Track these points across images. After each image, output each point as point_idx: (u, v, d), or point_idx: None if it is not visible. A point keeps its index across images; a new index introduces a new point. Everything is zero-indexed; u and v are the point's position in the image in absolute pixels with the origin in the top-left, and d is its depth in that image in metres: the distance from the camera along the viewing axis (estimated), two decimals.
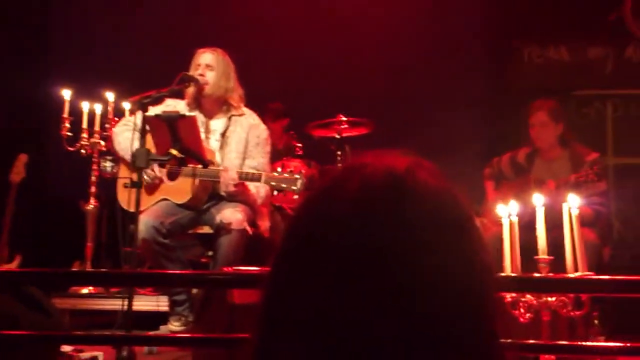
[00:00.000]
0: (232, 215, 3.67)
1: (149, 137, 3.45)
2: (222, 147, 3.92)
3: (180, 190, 3.79)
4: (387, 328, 0.68)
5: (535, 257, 2.62)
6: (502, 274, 2.43)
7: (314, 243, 0.73)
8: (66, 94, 4.79)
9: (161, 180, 3.84)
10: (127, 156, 3.70)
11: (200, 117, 3.87)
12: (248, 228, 3.71)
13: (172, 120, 3.48)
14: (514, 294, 2.57)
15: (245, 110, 4.02)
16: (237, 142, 3.91)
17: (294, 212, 0.80)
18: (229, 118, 3.96)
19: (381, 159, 0.76)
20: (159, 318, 4.01)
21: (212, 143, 3.92)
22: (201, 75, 3.87)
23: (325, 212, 0.74)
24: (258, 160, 3.90)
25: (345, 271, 0.70)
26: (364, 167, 0.75)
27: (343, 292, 0.69)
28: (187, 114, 3.70)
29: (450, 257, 0.72)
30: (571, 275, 2.49)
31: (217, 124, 3.97)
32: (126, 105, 4.81)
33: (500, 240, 2.67)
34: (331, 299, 0.70)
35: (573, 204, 2.63)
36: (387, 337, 0.68)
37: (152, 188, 3.81)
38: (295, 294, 0.72)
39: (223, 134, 3.94)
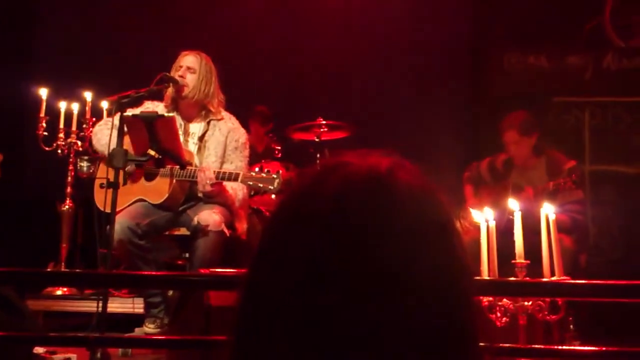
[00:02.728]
0: (209, 217, 3.65)
1: (127, 138, 3.42)
2: (200, 150, 3.89)
3: (156, 190, 3.76)
4: (366, 328, 0.67)
5: (513, 261, 2.63)
6: (479, 278, 2.44)
7: (292, 242, 0.72)
8: (43, 93, 4.75)
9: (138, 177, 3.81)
10: (107, 152, 3.61)
11: (178, 120, 3.83)
12: (225, 230, 3.69)
13: (150, 120, 3.45)
14: (490, 298, 2.58)
15: (225, 114, 3.99)
16: (216, 146, 3.88)
17: (273, 210, 0.79)
18: (208, 122, 3.93)
19: (363, 159, 0.76)
20: (135, 320, 3.98)
21: (190, 146, 3.89)
22: (181, 76, 3.85)
23: (304, 210, 0.74)
24: (236, 164, 3.87)
25: (324, 271, 0.69)
26: (345, 166, 0.75)
27: (322, 293, 0.69)
28: (166, 114, 3.68)
29: (430, 257, 0.71)
30: (547, 280, 2.51)
31: (196, 127, 3.94)
32: (104, 105, 4.77)
33: (478, 244, 2.68)
34: (310, 299, 0.69)
35: (550, 210, 2.65)
36: (366, 337, 0.67)
37: (128, 188, 3.77)
38: (273, 295, 0.71)
39: (201, 138, 3.91)
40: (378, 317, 0.68)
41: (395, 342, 0.68)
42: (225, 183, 3.69)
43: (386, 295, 0.68)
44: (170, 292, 3.82)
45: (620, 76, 5.79)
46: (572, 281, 2.52)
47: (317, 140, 5.27)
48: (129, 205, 3.73)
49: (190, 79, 3.86)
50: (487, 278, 2.55)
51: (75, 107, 4.79)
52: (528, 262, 2.63)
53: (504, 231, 2.93)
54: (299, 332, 0.69)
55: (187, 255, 3.83)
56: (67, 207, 4.80)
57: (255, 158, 5.11)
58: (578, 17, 5.83)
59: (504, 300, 2.60)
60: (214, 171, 3.63)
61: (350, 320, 0.68)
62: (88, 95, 4.85)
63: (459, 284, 0.73)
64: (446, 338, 0.70)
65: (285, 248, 0.73)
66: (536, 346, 2.52)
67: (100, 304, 2.96)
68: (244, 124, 4.19)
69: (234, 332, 0.74)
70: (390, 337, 0.68)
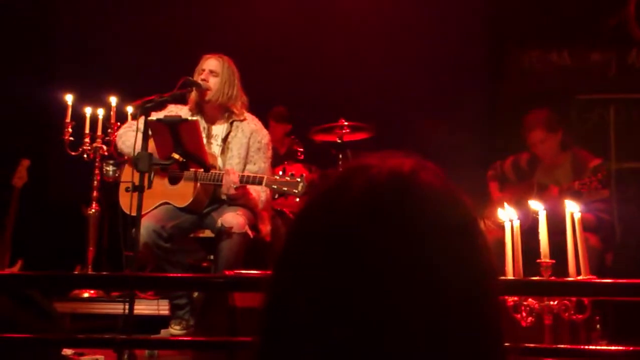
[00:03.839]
0: (233, 219, 3.66)
1: (151, 142, 3.45)
2: (223, 152, 3.91)
3: (181, 194, 3.78)
4: (391, 331, 0.68)
5: (538, 260, 2.62)
6: (504, 278, 2.42)
7: (317, 244, 0.73)
8: (69, 98, 4.81)
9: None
10: (132, 153, 3.61)
11: (201, 123, 3.85)
12: (249, 232, 3.70)
13: (174, 124, 3.47)
14: (516, 298, 2.57)
15: (247, 115, 4.00)
16: (239, 147, 3.89)
17: (297, 213, 0.80)
18: (231, 123, 3.94)
19: (385, 160, 0.76)
20: (160, 322, 4.01)
21: (214, 148, 3.91)
22: (204, 80, 3.87)
23: (329, 212, 0.74)
24: (259, 165, 3.88)
25: (350, 273, 0.70)
26: (368, 168, 0.75)
27: (347, 295, 0.69)
28: (190, 118, 3.70)
29: (455, 258, 0.71)
30: (573, 279, 2.49)
31: (219, 129, 3.96)
32: (129, 110, 4.82)
33: (502, 243, 2.66)
34: (335, 301, 0.69)
35: (575, 208, 2.63)
36: (391, 340, 0.68)
37: (153, 192, 3.80)
38: (297, 297, 0.72)
39: (224, 140, 3.93)
40: (403, 318, 0.68)
41: (419, 343, 0.68)
42: (248, 186, 3.71)
43: (410, 296, 0.69)
44: (196, 294, 3.85)
45: None
46: (598, 280, 2.50)
47: (339, 141, 5.27)
48: (154, 209, 3.76)
49: (213, 83, 3.88)
50: (512, 278, 2.54)
51: (100, 112, 4.85)
52: (553, 261, 2.61)
53: (529, 230, 2.91)
54: (324, 334, 0.69)
55: (211, 257, 3.86)
56: (93, 211, 4.86)
57: (277, 160, 5.12)
58: (602, 13, 5.77)
59: (529, 300, 2.58)
60: (239, 175, 3.64)
61: (375, 321, 0.68)
62: (113, 100, 4.90)
63: (484, 284, 0.73)
64: (471, 338, 0.70)
65: (309, 250, 0.73)
66: (562, 346, 2.50)
67: (127, 306, 2.99)
68: (266, 126, 4.20)
69: (259, 333, 0.75)
70: (414, 338, 0.68)
